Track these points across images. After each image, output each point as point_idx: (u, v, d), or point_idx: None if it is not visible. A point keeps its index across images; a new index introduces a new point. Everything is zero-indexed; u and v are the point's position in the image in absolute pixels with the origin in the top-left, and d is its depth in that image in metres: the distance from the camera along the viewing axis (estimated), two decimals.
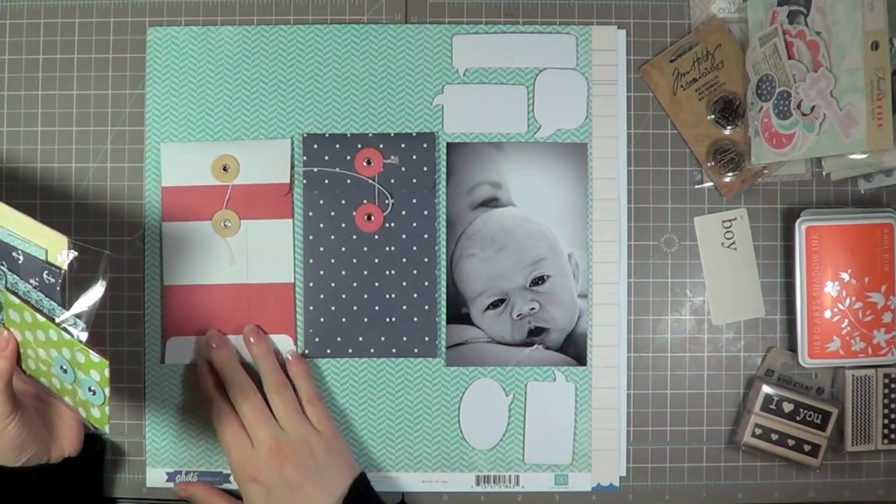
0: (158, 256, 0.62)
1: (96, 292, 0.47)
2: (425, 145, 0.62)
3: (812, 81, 0.56)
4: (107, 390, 0.48)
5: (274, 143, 0.62)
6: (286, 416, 0.57)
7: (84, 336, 0.47)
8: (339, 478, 0.56)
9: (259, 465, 0.55)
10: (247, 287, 0.62)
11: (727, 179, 0.62)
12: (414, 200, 0.62)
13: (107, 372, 0.47)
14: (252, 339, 0.60)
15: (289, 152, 0.62)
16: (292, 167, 0.62)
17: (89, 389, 0.49)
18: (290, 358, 0.61)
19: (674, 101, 0.63)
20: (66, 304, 0.48)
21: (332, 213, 0.62)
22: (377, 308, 0.62)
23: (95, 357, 0.46)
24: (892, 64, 0.52)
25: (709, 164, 0.62)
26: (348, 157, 0.62)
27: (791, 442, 0.61)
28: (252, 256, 0.62)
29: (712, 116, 0.62)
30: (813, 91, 0.56)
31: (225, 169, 0.62)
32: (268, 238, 0.62)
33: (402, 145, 0.62)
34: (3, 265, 0.49)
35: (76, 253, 0.48)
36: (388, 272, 0.62)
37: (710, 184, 0.63)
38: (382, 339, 0.62)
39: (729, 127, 0.62)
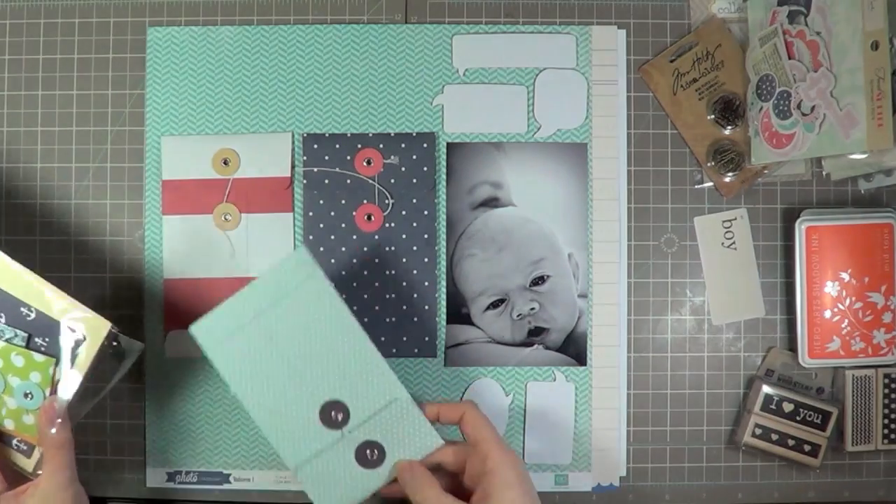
0: (159, 250, 0.62)
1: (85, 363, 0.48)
2: (425, 145, 0.62)
3: (812, 81, 0.56)
4: (47, 391, 0.47)
5: (274, 136, 0.62)
6: None
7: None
8: None
9: None
10: (247, 280, 0.62)
11: (727, 179, 0.62)
12: (414, 200, 0.62)
13: (51, 370, 0.46)
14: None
15: (289, 146, 0.62)
16: (293, 162, 0.62)
17: (25, 395, 0.48)
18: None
19: (674, 101, 0.63)
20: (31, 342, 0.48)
21: (332, 213, 0.62)
22: (377, 308, 0.62)
23: (39, 357, 0.46)
24: (892, 64, 0.52)
25: (709, 164, 0.62)
26: (348, 157, 0.62)
27: (791, 442, 0.61)
28: (252, 250, 0.62)
29: (712, 116, 0.62)
30: (813, 91, 0.56)
31: (225, 163, 0.62)
32: (268, 231, 0.62)
33: (402, 145, 0.62)
34: None
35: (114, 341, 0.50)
36: (388, 272, 0.62)
37: (710, 184, 0.63)
38: (382, 339, 0.62)
39: (729, 127, 0.62)
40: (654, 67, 0.63)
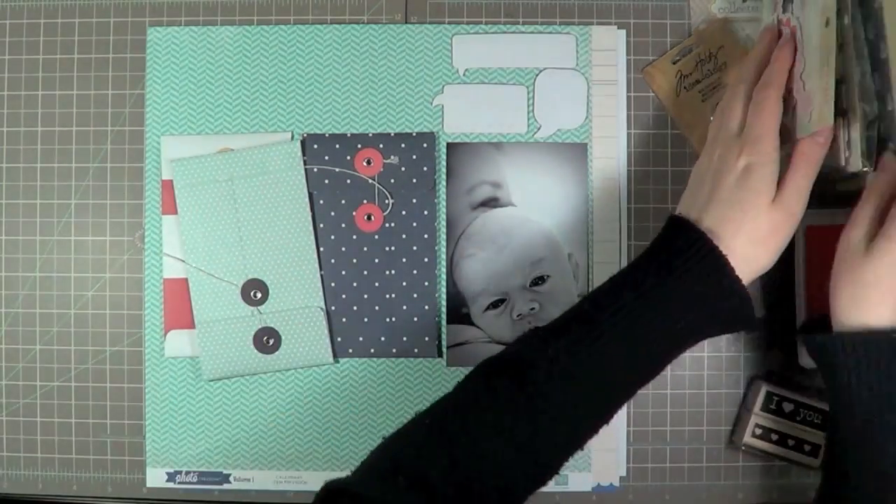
0: (159, 249, 0.62)
1: None
2: (425, 145, 0.62)
3: (795, 66, 0.55)
4: None
5: (274, 136, 0.62)
6: None
7: None
8: None
9: None
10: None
11: None
12: (414, 200, 0.62)
13: None
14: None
15: (291, 149, 0.62)
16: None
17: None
18: None
19: (677, 103, 0.62)
20: None
21: (332, 213, 0.62)
22: (377, 308, 0.62)
23: None
24: (841, 39, 0.51)
25: None
26: (348, 157, 0.62)
27: (791, 442, 0.61)
28: None
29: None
30: (794, 75, 0.55)
31: None
32: None
33: (402, 145, 0.62)
34: None
35: None
36: (388, 272, 0.62)
37: None
38: (382, 339, 0.62)
39: None
40: (656, 69, 0.63)
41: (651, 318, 0.46)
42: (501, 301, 0.62)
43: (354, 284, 0.62)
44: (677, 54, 0.63)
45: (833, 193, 0.60)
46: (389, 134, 0.63)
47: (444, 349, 0.62)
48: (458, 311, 0.62)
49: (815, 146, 0.49)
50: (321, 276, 0.62)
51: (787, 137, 0.51)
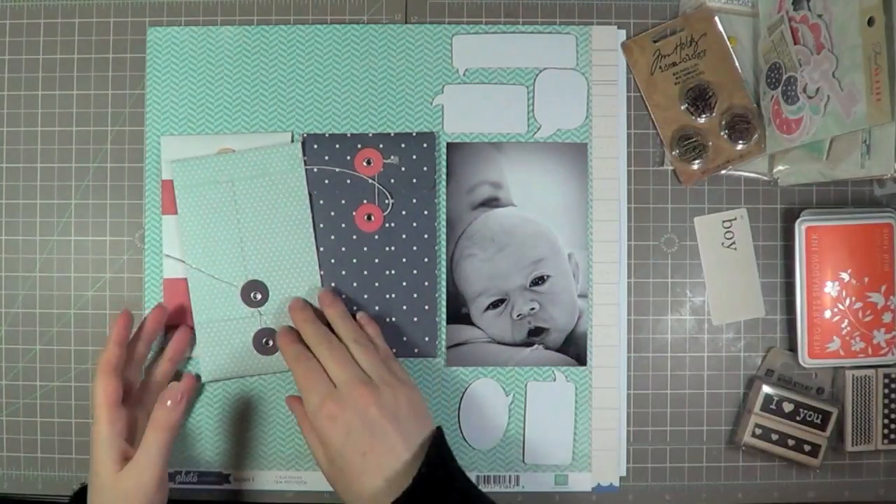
0: (159, 249, 0.62)
1: None
2: (425, 145, 0.62)
3: (815, 64, 0.56)
4: None
5: (274, 136, 0.62)
6: (370, 364, 0.55)
7: None
8: (419, 429, 0.53)
9: (343, 403, 0.52)
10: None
11: (688, 166, 0.62)
12: (414, 200, 0.62)
13: None
14: (327, 302, 0.60)
15: (291, 149, 0.62)
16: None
17: None
18: (362, 320, 0.60)
19: (650, 82, 0.62)
20: None
21: (332, 213, 0.62)
22: (377, 308, 0.62)
23: None
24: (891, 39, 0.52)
25: (674, 153, 0.62)
26: (348, 157, 0.62)
27: (791, 442, 0.61)
28: None
29: (685, 106, 0.62)
30: (816, 73, 0.56)
31: None
32: None
33: (402, 145, 0.62)
34: None
35: None
36: (388, 272, 0.62)
37: (671, 167, 0.63)
38: None
39: (697, 116, 0.61)
40: (636, 44, 0.63)
41: None
42: (501, 301, 0.62)
43: (354, 284, 0.62)
44: (659, 33, 0.62)
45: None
46: (389, 134, 0.63)
47: (444, 349, 0.62)
48: (458, 311, 0.62)
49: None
50: (321, 276, 0.62)
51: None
